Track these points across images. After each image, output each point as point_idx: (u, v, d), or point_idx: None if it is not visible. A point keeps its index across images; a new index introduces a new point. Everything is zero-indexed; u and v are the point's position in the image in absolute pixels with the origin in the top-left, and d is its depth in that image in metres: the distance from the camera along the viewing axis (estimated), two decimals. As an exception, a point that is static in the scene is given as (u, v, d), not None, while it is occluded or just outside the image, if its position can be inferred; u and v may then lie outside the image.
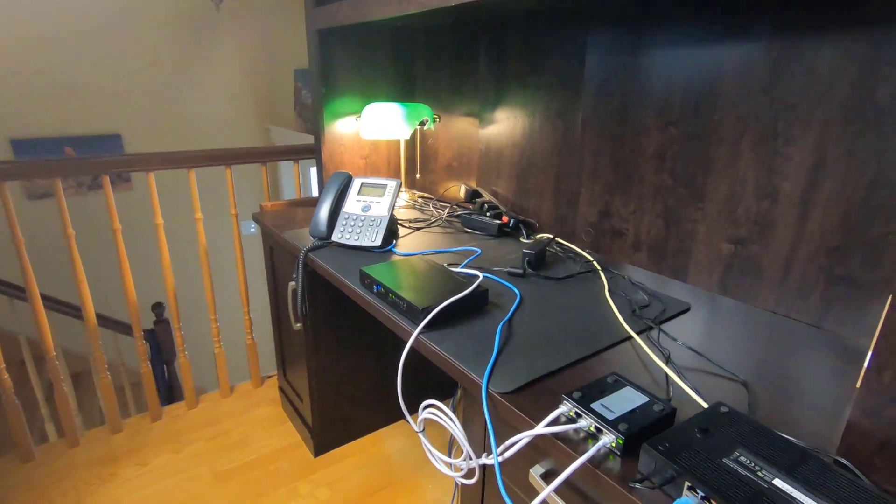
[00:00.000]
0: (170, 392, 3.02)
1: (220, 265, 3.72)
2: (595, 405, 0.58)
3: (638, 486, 0.50)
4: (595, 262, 1.12)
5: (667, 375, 0.70)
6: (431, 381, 1.76)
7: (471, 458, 0.71)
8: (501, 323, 0.83)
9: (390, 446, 1.65)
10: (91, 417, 3.01)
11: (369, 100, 1.61)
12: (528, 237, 1.28)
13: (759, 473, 0.47)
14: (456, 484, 0.88)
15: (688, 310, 0.91)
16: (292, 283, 1.34)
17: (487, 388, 0.67)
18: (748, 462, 0.48)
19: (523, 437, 0.60)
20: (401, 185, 1.28)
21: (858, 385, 0.50)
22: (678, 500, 0.45)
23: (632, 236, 1.12)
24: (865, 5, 0.72)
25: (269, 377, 2.02)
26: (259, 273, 3.87)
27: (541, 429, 0.59)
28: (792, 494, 0.44)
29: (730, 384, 0.69)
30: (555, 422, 0.60)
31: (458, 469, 0.75)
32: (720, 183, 0.94)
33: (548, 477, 0.64)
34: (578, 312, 0.88)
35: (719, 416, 0.55)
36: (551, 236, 1.22)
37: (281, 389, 1.80)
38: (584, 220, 1.22)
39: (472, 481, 0.80)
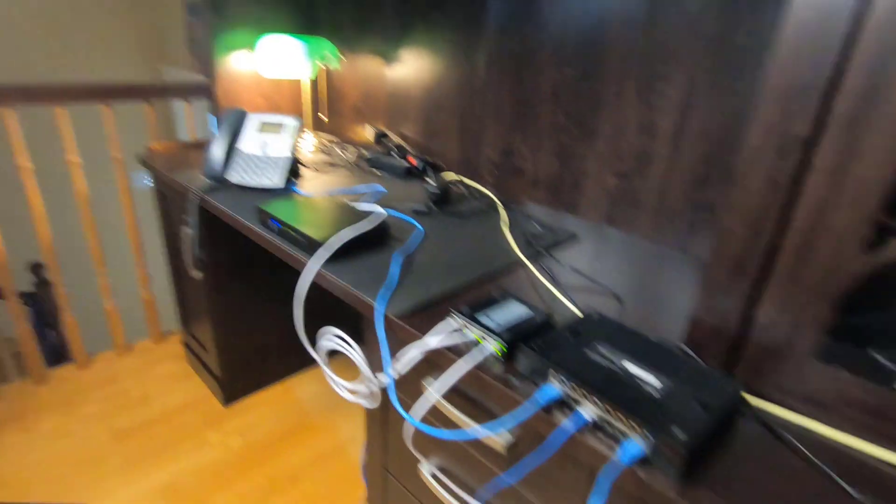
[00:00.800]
0: (60, 359, 2.78)
1: (109, 217, 3.38)
2: (481, 317, 0.62)
3: (515, 381, 0.55)
4: (496, 199, 1.16)
5: (551, 293, 0.76)
6: (340, 324, 1.77)
7: (370, 381, 0.74)
8: (401, 252, 0.84)
9: (304, 392, 1.65)
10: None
11: (267, 32, 1.50)
12: (434, 178, 1.29)
13: (613, 360, 0.53)
14: (367, 413, 0.91)
15: (574, 237, 0.98)
16: (187, 228, 1.26)
17: (384, 311, 0.69)
18: (606, 353, 0.54)
19: (414, 349, 0.63)
20: (302, 124, 1.23)
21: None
22: (544, 386, 0.51)
23: (531, 174, 1.17)
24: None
25: (172, 333, 1.92)
26: (156, 225, 3.58)
27: (429, 339, 0.62)
28: (636, 373, 0.51)
29: (606, 299, 0.76)
30: (446, 336, 0.63)
31: (355, 393, 0.77)
32: (607, 121, 1.01)
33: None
34: (477, 244, 0.92)
35: (590, 322, 0.62)
36: (456, 176, 1.24)
37: (185, 344, 1.72)
38: (488, 159, 1.26)
39: (376, 405, 0.83)
